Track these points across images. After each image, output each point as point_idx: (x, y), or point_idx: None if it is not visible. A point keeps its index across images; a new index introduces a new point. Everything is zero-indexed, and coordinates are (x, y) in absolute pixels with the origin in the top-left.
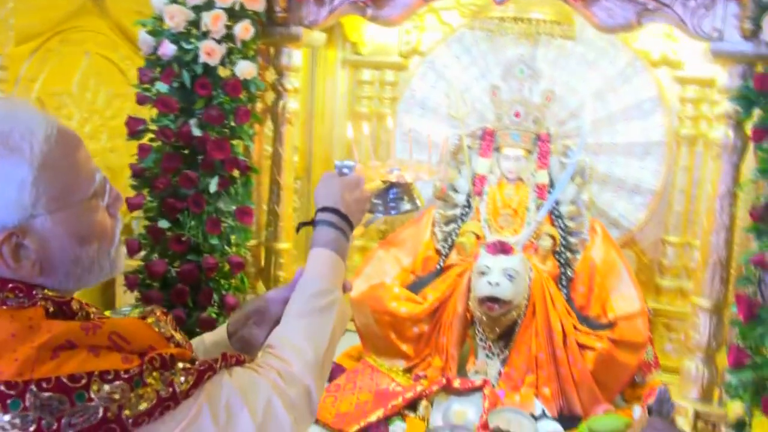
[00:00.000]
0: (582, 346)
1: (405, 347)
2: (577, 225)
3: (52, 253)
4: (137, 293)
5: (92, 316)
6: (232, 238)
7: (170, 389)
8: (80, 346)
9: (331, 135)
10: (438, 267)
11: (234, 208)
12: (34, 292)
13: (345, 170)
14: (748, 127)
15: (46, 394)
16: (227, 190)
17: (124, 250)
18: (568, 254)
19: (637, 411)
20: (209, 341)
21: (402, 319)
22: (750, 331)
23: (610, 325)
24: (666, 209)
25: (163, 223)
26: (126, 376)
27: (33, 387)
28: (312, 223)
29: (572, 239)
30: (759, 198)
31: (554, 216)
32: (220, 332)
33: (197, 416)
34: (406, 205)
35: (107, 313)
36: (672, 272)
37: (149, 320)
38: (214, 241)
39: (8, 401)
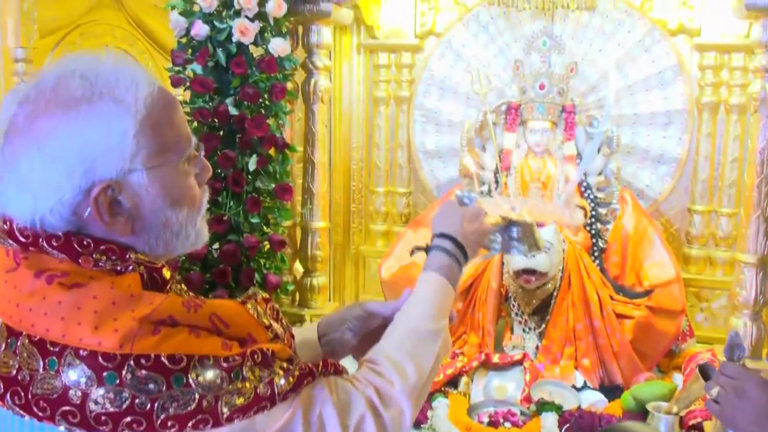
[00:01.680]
0: (620, 316)
1: None
2: (606, 195)
3: (144, 212)
4: (177, 276)
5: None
6: (270, 217)
7: (269, 389)
8: (181, 323)
9: (350, 121)
10: None
11: (272, 186)
12: (127, 255)
13: (466, 200)
14: None
15: (144, 372)
16: (265, 168)
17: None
18: (599, 225)
19: (677, 378)
20: (298, 339)
21: None
22: None
23: (647, 294)
24: (691, 177)
25: None
26: (225, 365)
27: (131, 362)
28: (426, 248)
29: (602, 210)
30: None
31: (583, 187)
32: (310, 331)
33: (289, 421)
34: (525, 247)
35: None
36: (700, 241)
37: (248, 306)
38: (255, 220)
39: (104, 374)
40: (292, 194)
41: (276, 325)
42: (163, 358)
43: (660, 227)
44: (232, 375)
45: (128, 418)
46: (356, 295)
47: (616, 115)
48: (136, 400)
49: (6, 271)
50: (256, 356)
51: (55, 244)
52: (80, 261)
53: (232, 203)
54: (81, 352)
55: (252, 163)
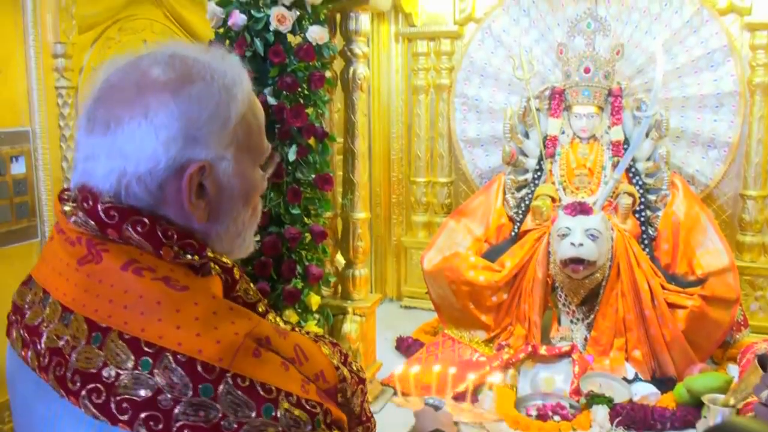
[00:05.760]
0: (672, 305)
1: (484, 317)
2: (656, 181)
3: (222, 202)
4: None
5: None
6: (311, 208)
7: None
8: (274, 347)
9: (389, 111)
10: (513, 234)
11: (312, 176)
12: (204, 253)
13: None
14: None
15: (240, 393)
16: (305, 158)
17: None
18: (649, 212)
19: (733, 370)
20: None
21: (481, 288)
22: None
23: (700, 282)
24: (743, 162)
25: None
26: (308, 407)
27: (229, 379)
28: None
29: (652, 196)
30: None
31: (631, 173)
32: None
33: None
34: None
35: None
36: (753, 227)
37: (320, 344)
38: (296, 212)
39: (200, 385)
40: (333, 184)
41: (343, 368)
42: (257, 384)
43: (712, 213)
44: (314, 421)
45: None
46: (398, 286)
47: (664, 98)
48: (223, 421)
49: (79, 262)
50: (327, 415)
51: (140, 230)
52: (161, 252)
53: (272, 194)
54: (179, 357)
55: (292, 154)
